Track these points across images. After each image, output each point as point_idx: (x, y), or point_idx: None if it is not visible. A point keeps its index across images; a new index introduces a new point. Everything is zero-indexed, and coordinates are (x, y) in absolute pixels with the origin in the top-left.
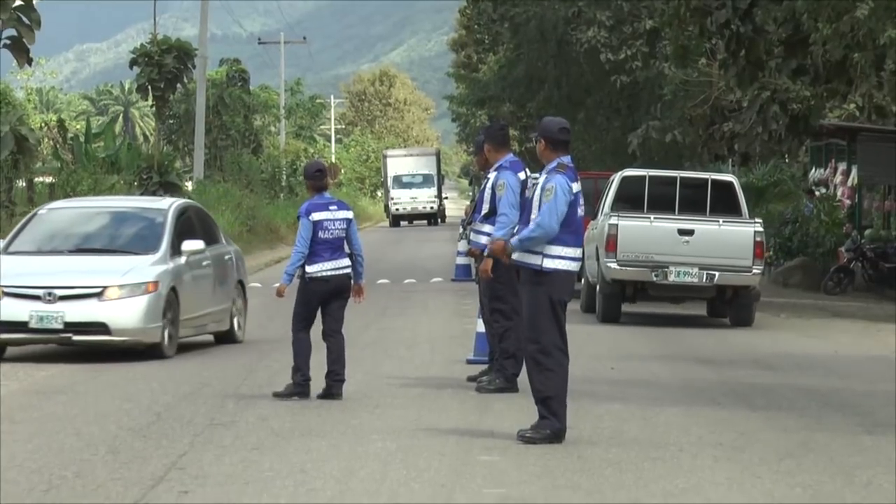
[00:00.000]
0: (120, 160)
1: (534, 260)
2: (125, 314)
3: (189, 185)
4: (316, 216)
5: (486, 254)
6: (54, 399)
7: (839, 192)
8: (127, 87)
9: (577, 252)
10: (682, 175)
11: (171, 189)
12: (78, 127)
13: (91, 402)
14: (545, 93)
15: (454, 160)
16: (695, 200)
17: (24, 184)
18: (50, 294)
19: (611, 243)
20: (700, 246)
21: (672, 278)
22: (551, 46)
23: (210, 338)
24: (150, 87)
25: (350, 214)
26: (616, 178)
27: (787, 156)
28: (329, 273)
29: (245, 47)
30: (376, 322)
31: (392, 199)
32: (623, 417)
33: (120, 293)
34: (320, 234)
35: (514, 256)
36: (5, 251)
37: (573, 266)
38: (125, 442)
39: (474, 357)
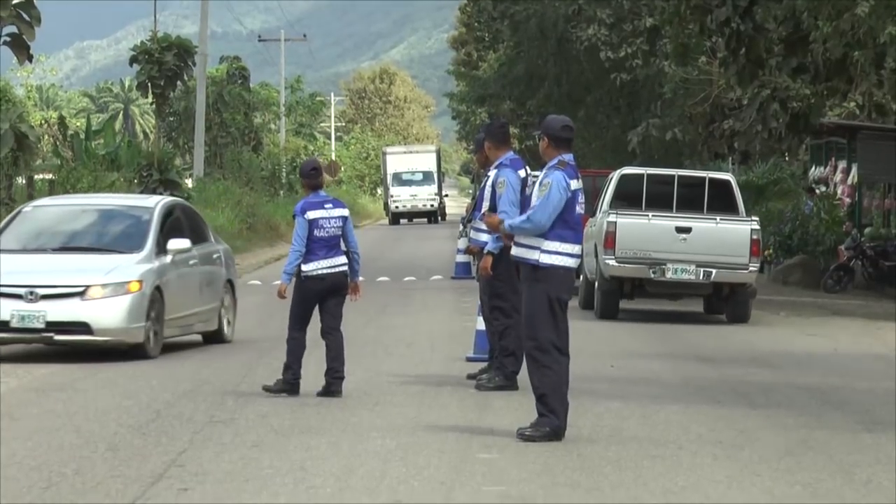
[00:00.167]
0: (120, 157)
1: (531, 255)
2: (108, 314)
3: (189, 183)
4: (311, 214)
5: (485, 252)
6: (54, 396)
7: (839, 191)
8: (127, 84)
9: (575, 248)
10: (679, 173)
11: (172, 186)
12: (78, 124)
13: (91, 399)
14: (545, 90)
15: (454, 158)
16: (692, 198)
17: (24, 181)
18: (32, 293)
19: (609, 240)
20: (697, 243)
21: (670, 275)
22: (551, 44)
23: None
24: (150, 85)
25: (346, 212)
26: (614, 176)
27: (787, 154)
28: (325, 271)
29: (245, 45)
30: (376, 320)
31: (391, 196)
32: (623, 415)
33: (103, 292)
34: (316, 232)
35: (513, 252)
36: None
37: (571, 262)
38: (125, 439)
39: (474, 355)
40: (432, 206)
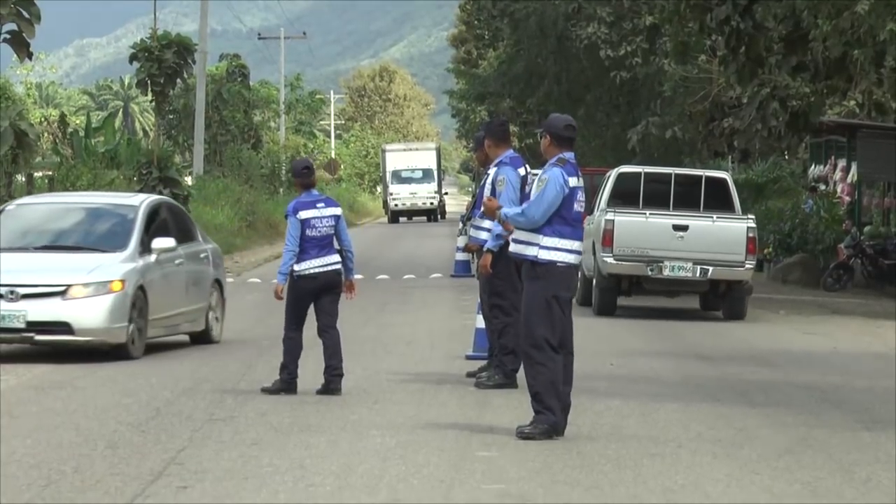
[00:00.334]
0: (119, 155)
1: (529, 251)
2: (89, 313)
3: (189, 181)
4: (303, 214)
5: (485, 250)
6: (53, 394)
7: (839, 189)
8: (127, 82)
9: (574, 245)
10: (676, 172)
11: (171, 184)
12: (77, 122)
13: (90, 397)
14: (545, 89)
15: (454, 156)
16: (689, 197)
17: (24, 178)
18: (12, 292)
19: (607, 238)
20: (694, 241)
21: (667, 273)
22: (551, 42)
23: (217, 335)
24: (149, 83)
25: (338, 211)
26: (612, 175)
27: (786, 152)
28: (317, 270)
29: (245, 43)
30: (375, 318)
31: (391, 194)
32: (622, 413)
33: (84, 292)
34: (308, 231)
35: (511, 249)
36: None
37: (571, 259)
38: (124, 437)
39: (474, 353)
40: (432, 204)
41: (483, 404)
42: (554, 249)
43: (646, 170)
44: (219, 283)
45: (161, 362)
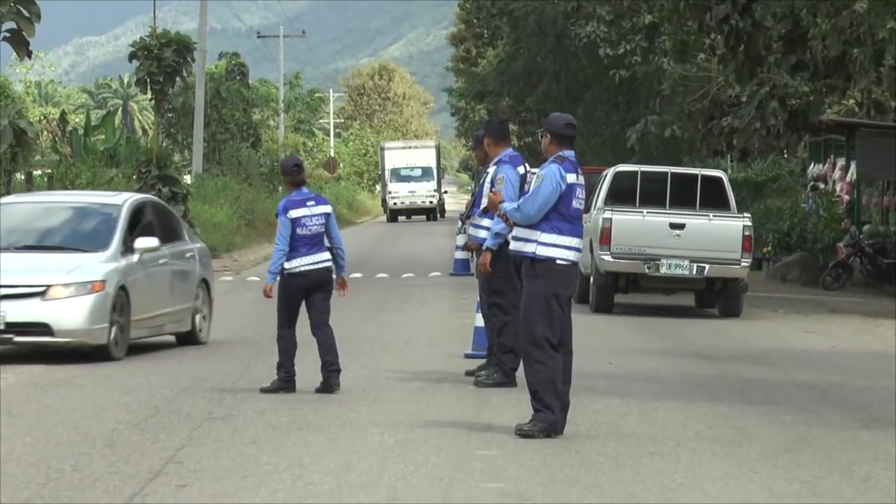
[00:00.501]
0: (119, 153)
1: (528, 248)
2: (69, 314)
3: (188, 179)
4: (294, 213)
5: (484, 248)
6: (52, 392)
7: (838, 188)
8: (126, 80)
9: (573, 241)
10: (672, 171)
11: (170, 182)
12: (77, 120)
13: (89, 395)
14: (544, 87)
15: (453, 154)
16: (685, 195)
17: (23, 177)
18: None
19: (605, 236)
20: (691, 239)
21: (664, 270)
22: (550, 41)
23: (204, 335)
24: (149, 81)
25: (328, 209)
26: (609, 174)
27: (785, 151)
28: (307, 268)
29: (244, 41)
30: (375, 316)
31: (389, 192)
32: (621, 412)
33: (64, 292)
34: (298, 230)
35: (511, 247)
36: None
37: (570, 255)
38: (123, 435)
39: (473, 351)
40: (431, 202)
41: (482, 403)
42: (552, 246)
43: (642, 168)
44: (206, 283)
45: (160, 361)
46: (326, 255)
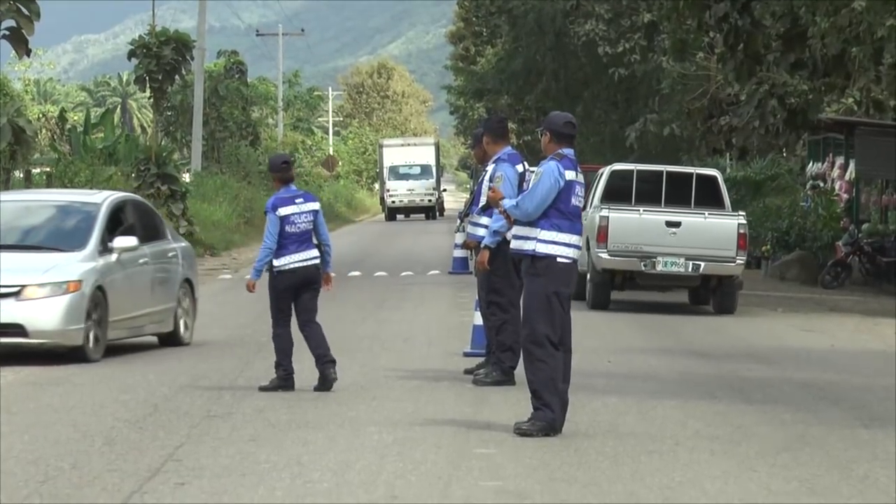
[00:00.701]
0: (118, 152)
1: (527, 246)
2: (44, 315)
3: (187, 177)
4: (283, 211)
5: (482, 247)
6: (51, 390)
7: (837, 187)
8: (125, 78)
9: (572, 238)
10: (667, 170)
11: (169, 180)
12: (76, 118)
13: (88, 393)
14: (543, 85)
15: (452, 153)
16: (680, 194)
17: (22, 175)
18: None
19: (602, 234)
20: (686, 237)
21: (660, 268)
22: (549, 39)
23: (203, 334)
24: (147, 79)
25: (317, 206)
26: (605, 172)
27: (784, 150)
28: (297, 265)
29: (243, 39)
30: (373, 314)
31: (388, 191)
32: (620, 411)
33: (39, 293)
34: (287, 228)
35: (511, 245)
36: None
37: (570, 253)
38: (121, 434)
39: (471, 350)
40: (430, 200)
41: (481, 401)
42: (552, 243)
43: (638, 167)
44: (189, 283)
45: (159, 359)
46: (315, 252)
